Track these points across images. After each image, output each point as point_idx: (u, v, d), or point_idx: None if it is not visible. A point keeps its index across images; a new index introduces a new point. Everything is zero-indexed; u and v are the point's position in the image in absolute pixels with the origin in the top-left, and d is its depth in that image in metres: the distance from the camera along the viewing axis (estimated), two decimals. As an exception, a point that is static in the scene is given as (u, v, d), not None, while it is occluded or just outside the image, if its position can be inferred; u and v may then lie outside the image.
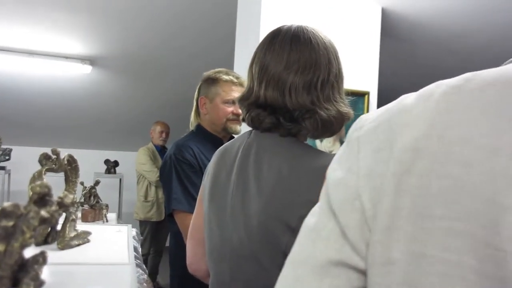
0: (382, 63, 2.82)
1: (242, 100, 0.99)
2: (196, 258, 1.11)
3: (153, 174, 4.43)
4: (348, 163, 0.54)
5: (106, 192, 5.18)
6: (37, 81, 4.61)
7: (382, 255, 0.47)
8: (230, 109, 1.79)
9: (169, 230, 1.87)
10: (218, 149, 1.09)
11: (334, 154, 0.89)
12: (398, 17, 2.95)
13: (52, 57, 4.23)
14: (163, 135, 4.67)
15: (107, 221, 2.43)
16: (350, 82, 2.66)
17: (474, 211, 0.42)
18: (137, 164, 4.58)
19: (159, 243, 4.63)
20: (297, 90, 0.90)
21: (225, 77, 1.80)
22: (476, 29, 2.98)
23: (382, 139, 0.51)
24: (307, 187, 0.84)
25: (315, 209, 0.57)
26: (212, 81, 1.83)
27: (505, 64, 0.51)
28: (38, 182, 0.76)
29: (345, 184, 0.52)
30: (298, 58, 0.91)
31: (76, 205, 1.26)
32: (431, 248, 0.43)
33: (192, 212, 1.63)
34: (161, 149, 4.70)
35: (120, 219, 4.45)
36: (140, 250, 1.28)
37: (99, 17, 3.47)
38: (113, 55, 4.24)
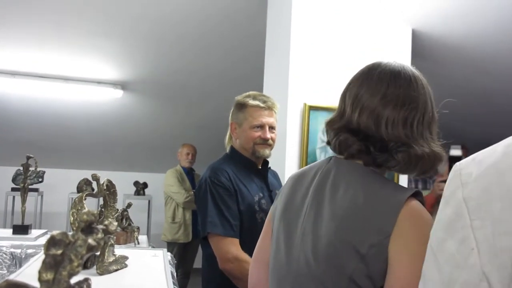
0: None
1: (331, 123, 1.00)
2: (260, 284, 1.09)
3: (181, 196, 4.46)
4: (461, 233, 0.48)
5: (136, 213, 5.23)
6: (71, 105, 4.75)
7: None
8: (258, 133, 1.81)
9: (202, 252, 1.87)
10: (294, 172, 1.10)
11: (411, 189, 0.88)
12: (429, 38, 2.93)
13: (86, 83, 4.36)
14: (189, 157, 4.72)
15: (138, 243, 2.44)
16: (381, 104, 2.64)
17: None
18: (165, 185, 4.62)
19: (187, 265, 4.63)
20: (394, 122, 0.91)
21: (252, 102, 1.82)
22: (508, 48, 2.93)
23: (500, 207, 0.45)
24: (380, 217, 0.84)
25: (426, 284, 0.52)
26: (240, 106, 1.86)
27: None
28: (85, 210, 0.77)
29: (465, 262, 0.46)
30: (397, 93, 0.92)
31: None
32: None
33: (226, 235, 1.62)
34: (188, 171, 4.75)
35: (149, 241, 4.48)
36: (175, 274, 1.29)
37: (130, 43, 3.57)
38: (143, 79, 4.34)
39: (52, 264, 0.70)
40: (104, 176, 1.39)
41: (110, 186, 1.30)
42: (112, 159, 5.79)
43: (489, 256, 0.44)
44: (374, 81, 0.95)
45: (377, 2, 2.59)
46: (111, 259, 1.14)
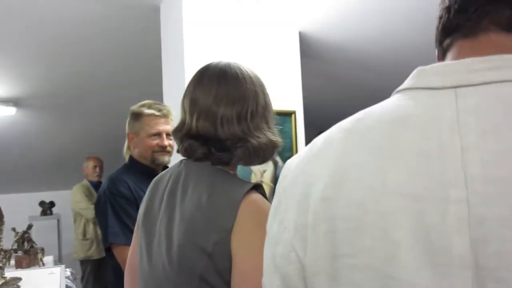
0: (305, 83, 2.98)
1: (175, 132, 1.04)
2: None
3: (90, 211, 4.30)
4: (280, 216, 0.58)
5: (44, 235, 5.00)
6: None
7: None
8: (156, 141, 1.84)
9: (109, 264, 1.88)
10: (154, 178, 1.12)
11: (250, 183, 0.94)
12: (315, 40, 3.14)
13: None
14: (97, 169, 4.59)
15: (43, 265, 2.36)
16: (277, 103, 2.76)
17: (371, 247, 0.47)
18: (73, 202, 4.46)
19: (103, 281, 4.49)
20: (228, 120, 0.96)
21: (147, 111, 1.85)
22: (385, 49, 3.24)
23: (300, 192, 0.55)
24: (221, 214, 0.88)
25: (264, 265, 0.61)
26: (136, 116, 1.87)
27: (392, 95, 0.57)
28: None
29: (281, 238, 0.56)
30: (226, 92, 0.97)
31: (4, 253, 1.25)
32: (343, 284, 0.49)
33: (129, 244, 1.64)
34: (96, 185, 4.57)
35: (60, 262, 4.28)
36: (74, 289, 1.29)
37: (18, 57, 3.39)
38: (37, 94, 4.14)
39: None
40: (5, 199, 1.35)
41: (-4, 208, 1.27)
42: (13, 180, 5.43)
43: (294, 232, 0.54)
44: (205, 84, 1.00)
45: (266, 8, 2.73)
46: (0, 282, 1.12)
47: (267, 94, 1.07)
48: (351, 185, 0.49)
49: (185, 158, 1.05)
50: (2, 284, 1.12)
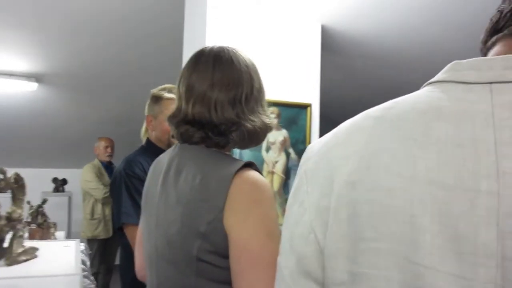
0: (323, 77, 2.98)
1: (171, 118, 1.04)
2: (142, 266, 1.16)
3: (100, 192, 4.36)
4: (301, 197, 0.59)
5: (55, 211, 5.08)
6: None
7: (333, 277, 0.54)
8: None
9: (118, 244, 1.91)
10: (154, 161, 1.14)
11: (242, 161, 0.95)
12: (337, 34, 3.13)
13: (-5, 75, 4.13)
14: (109, 150, 4.60)
15: (55, 239, 2.42)
16: (293, 95, 2.80)
17: (396, 232, 0.48)
18: (83, 181, 4.48)
19: (109, 261, 4.56)
20: (223, 105, 0.97)
21: (167, 95, 1.87)
22: (405, 44, 3.22)
23: (324, 175, 0.57)
24: (214, 194, 0.89)
25: (281, 246, 0.62)
26: (155, 99, 1.89)
27: (422, 87, 0.58)
28: (-15, 199, 0.81)
29: (300, 219, 0.58)
30: (221, 76, 0.98)
31: (23, 223, 1.28)
32: (365, 267, 0.50)
33: None
34: (107, 165, 4.63)
35: (70, 238, 4.34)
36: (88, 263, 1.32)
37: (43, 34, 3.44)
38: (59, 72, 4.19)
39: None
40: (21, 173, 1.39)
41: (18, 179, 1.31)
42: (28, 155, 5.53)
43: (315, 214, 0.56)
44: (201, 70, 1.00)
45: (289, 1, 2.73)
46: (20, 250, 1.16)
47: (260, 78, 1.07)
48: (379, 171, 0.51)
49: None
50: (22, 252, 1.16)
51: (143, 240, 1.07)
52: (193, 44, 2.81)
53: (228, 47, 1.05)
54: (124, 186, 1.75)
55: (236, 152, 2.51)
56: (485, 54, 0.59)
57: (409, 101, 0.55)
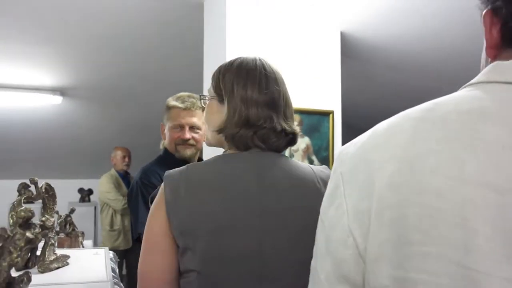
0: (344, 83, 2.98)
1: (221, 128, 1.03)
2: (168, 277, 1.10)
3: (118, 202, 4.30)
4: (338, 200, 0.58)
5: (82, 221, 5.15)
6: (9, 114, 4.62)
7: (375, 282, 0.52)
8: (178, 134, 1.84)
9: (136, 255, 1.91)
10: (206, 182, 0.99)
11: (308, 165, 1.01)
12: (356, 40, 3.13)
13: (23, 90, 4.26)
14: (126, 159, 4.59)
15: (83, 247, 2.46)
16: (315, 102, 2.81)
17: (447, 236, 0.46)
18: (101, 192, 4.44)
19: (131, 271, 4.55)
20: (262, 105, 1.00)
21: (172, 103, 1.86)
22: (424, 49, 3.20)
23: (363, 178, 0.55)
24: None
25: (316, 248, 0.62)
26: (166, 108, 1.90)
27: (461, 89, 0.58)
28: (22, 208, 0.84)
29: (338, 223, 0.57)
30: (258, 80, 1.01)
31: (54, 231, 1.32)
32: (412, 272, 0.48)
33: None
34: (124, 175, 4.59)
35: (96, 247, 4.38)
36: (117, 270, 1.34)
37: (67, 49, 3.54)
38: (83, 85, 4.31)
39: (-7, 257, 0.76)
40: None
41: (49, 189, 1.35)
42: (55, 167, 5.66)
43: (354, 217, 0.55)
44: (257, 83, 1.02)
45: (308, 8, 2.74)
46: (52, 257, 1.19)
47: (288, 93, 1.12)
48: (425, 173, 0.49)
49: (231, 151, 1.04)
50: (54, 259, 1.19)
51: (225, 257, 0.93)
52: (213, 55, 2.85)
53: (260, 57, 1.09)
54: (140, 196, 1.74)
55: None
56: (494, 57, 0.58)
57: (451, 102, 0.54)
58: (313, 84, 2.82)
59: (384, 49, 3.29)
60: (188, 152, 1.85)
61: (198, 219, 0.92)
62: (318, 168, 1.05)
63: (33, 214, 0.78)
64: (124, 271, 4.61)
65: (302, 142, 2.74)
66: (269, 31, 2.71)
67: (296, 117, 2.71)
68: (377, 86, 4.11)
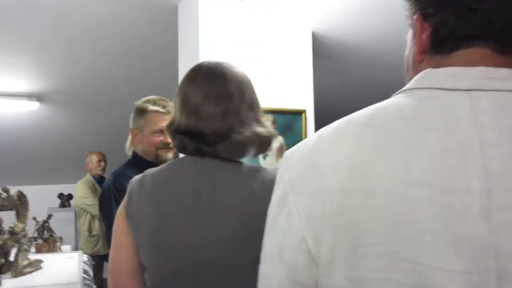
0: (316, 82, 3.05)
1: (168, 127, 1.11)
2: (129, 273, 1.09)
3: (96, 208, 4.16)
4: (287, 207, 0.58)
5: (62, 226, 5.14)
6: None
7: (327, 284, 0.54)
8: (159, 138, 1.84)
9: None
10: (156, 179, 1.08)
11: (269, 168, 1.03)
12: (328, 40, 3.21)
13: (-1, 96, 4.23)
14: (102, 163, 4.55)
15: (61, 252, 2.48)
16: (288, 102, 2.87)
17: (397, 235, 0.49)
18: (78, 198, 4.36)
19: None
20: (214, 118, 1.02)
21: (152, 107, 1.85)
22: (394, 47, 3.28)
23: (313, 184, 0.56)
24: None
25: (265, 255, 0.62)
26: (140, 112, 1.88)
27: (397, 95, 0.60)
28: (-11, 215, 0.88)
29: (290, 229, 0.57)
30: (213, 90, 1.04)
31: (27, 237, 1.35)
32: (366, 271, 0.51)
33: None
34: (100, 180, 4.52)
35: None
36: (91, 273, 1.38)
37: (43, 55, 3.54)
38: (60, 90, 4.29)
39: (-39, 263, 0.80)
40: (26, 190, 1.45)
41: (21, 196, 1.38)
42: (34, 172, 5.63)
43: (306, 223, 0.56)
44: (195, 83, 1.06)
45: (280, 9, 2.80)
46: (25, 262, 1.22)
47: (254, 92, 1.12)
48: (374, 177, 0.52)
49: (186, 155, 1.09)
50: (27, 264, 1.22)
51: (162, 254, 1.02)
52: (187, 58, 2.88)
53: (223, 62, 1.12)
54: (114, 201, 1.71)
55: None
56: (421, 61, 0.62)
57: (392, 108, 0.56)
58: (285, 84, 2.88)
59: (355, 48, 3.37)
60: (170, 155, 1.87)
61: (143, 218, 1.02)
62: (270, 171, 1.07)
63: (1, 221, 0.82)
64: (105, 275, 4.60)
65: (276, 142, 2.79)
66: (241, 32, 2.76)
67: (270, 117, 2.76)
68: (349, 84, 4.20)
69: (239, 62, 2.75)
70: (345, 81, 4.15)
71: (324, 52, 3.34)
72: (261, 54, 2.82)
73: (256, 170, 1.05)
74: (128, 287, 1.05)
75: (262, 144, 1.09)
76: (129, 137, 1.98)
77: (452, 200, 0.49)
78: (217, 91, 1.05)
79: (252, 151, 1.08)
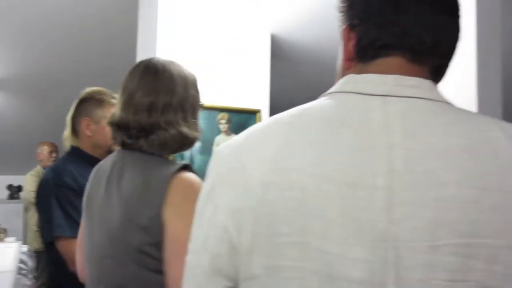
0: (274, 83, 3.10)
1: (109, 119, 1.14)
2: (83, 268, 1.21)
3: None
4: (214, 200, 0.62)
5: (9, 218, 4.99)
6: None
7: (246, 272, 0.58)
8: None
9: (48, 259, 1.76)
10: (95, 166, 1.21)
11: (180, 163, 1.05)
12: (286, 42, 3.26)
13: None
14: (53, 154, 4.39)
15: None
16: (243, 101, 2.90)
17: (309, 226, 0.54)
18: (26, 191, 4.16)
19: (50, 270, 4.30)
20: (141, 111, 1.06)
21: (113, 100, 1.79)
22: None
23: (238, 178, 0.60)
24: (155, 193, 1.00)
25: (191, 244, 0.65)
26: (97, 103, 1.80)
27: (322, 97, 0.66)
28: None
29: (215, 220, 0.61)
30: (144, 83, 1.08)
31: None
32: (280, 260, 0.55)
33: (75, 237, 1.43)
34: None
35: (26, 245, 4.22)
36: (30, 263, 1.35)
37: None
38: (11, 77, 4.15)
39: None
40: None
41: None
42: (-19, 162, 5.41)
43: (230, 215, 0.59)
44: (131, 77, 1.11)
45: (240, 10, 2.82)
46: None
47: (191, 91, 1.15)
48: (293, 172, 0.56)
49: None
50: (-40, 252, 1.20)
51: (84, 241, 1.14)
52: (144, 52, 2.86)
53: (165, 60, 1.15)
54: (54, 197, 1.63)
55: (187, 155, 2.60)
56: (349, 68, 0.68)
57: (315, 109, 0.61)
58: (241, 84, 2.91)
59: (313, 51, 3.44)
60: None
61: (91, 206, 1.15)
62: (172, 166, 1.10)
63: None
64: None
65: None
66: (200, 30, 2.77)
67: (225, 115, 2.79)
68: (306, 86, 4.28)
69: (197, 61, 2.79)
70: (302, 83, 4.23)
71: (282, 54, 3.40)
72: (219, 53, 2.83)
73: (163, 164, 1.07)
74: None
75: (183, 144, 1.14)
76: (68, 128, 1.87)
77: (359, 195, 0.53)
78: (147, 85, 1.08)
79: (172, 149, 1.13)
